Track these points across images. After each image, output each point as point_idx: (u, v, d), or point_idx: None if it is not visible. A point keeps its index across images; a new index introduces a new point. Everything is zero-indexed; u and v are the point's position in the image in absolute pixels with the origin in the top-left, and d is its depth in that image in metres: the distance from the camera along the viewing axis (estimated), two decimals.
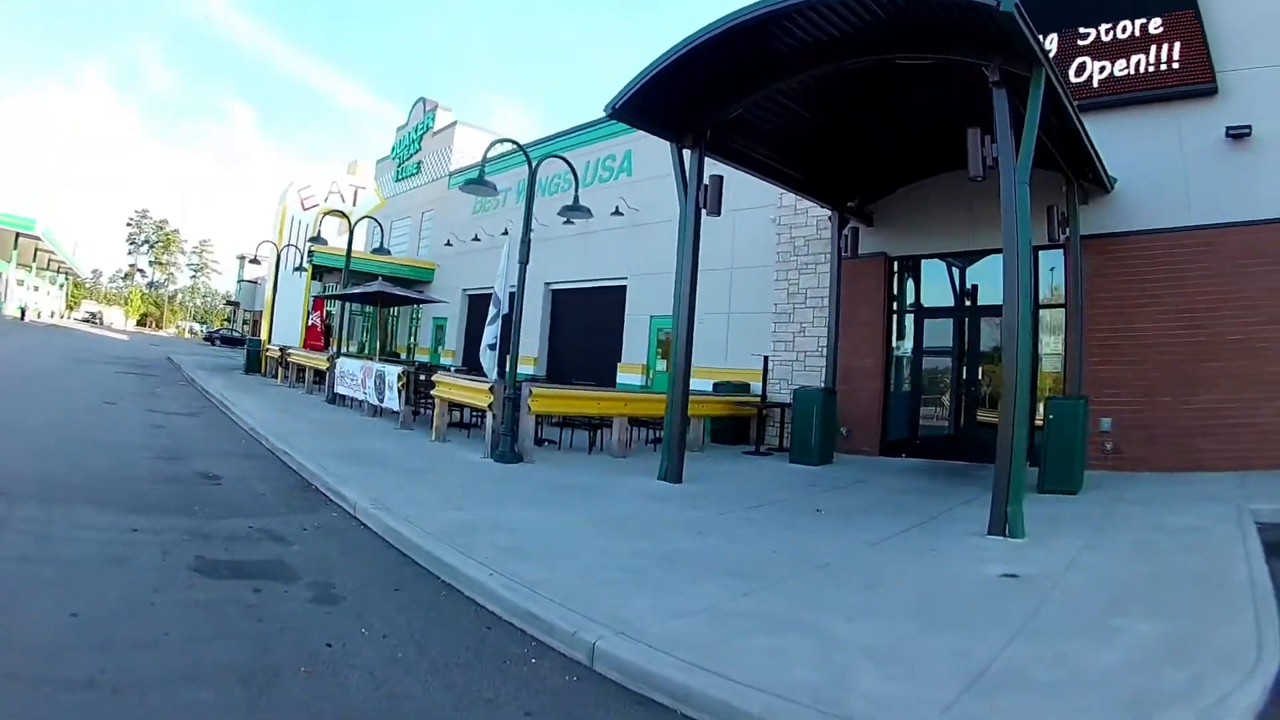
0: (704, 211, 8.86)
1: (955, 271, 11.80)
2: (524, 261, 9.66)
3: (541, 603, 4.13)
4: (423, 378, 12.64)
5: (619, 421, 10.70)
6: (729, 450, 12.22)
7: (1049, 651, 3.70)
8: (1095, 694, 3.27)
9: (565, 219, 11.66)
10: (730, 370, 13.73)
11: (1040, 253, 10.13)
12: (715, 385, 13.71)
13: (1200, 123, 9.60)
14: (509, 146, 11.26)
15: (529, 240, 9.74)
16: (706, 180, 8.89)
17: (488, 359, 10.95)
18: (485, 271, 20.05)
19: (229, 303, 60.61)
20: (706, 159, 9.07)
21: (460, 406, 11.43)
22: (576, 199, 10.55)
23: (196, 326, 76.48)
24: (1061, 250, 9.93)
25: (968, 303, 11.70)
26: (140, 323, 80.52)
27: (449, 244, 24.25)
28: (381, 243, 19.99)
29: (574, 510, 6.81)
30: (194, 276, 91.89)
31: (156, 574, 4.41)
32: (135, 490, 6.46)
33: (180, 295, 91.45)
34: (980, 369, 11.37)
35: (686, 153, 8.88)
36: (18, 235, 37.05)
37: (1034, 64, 6.37)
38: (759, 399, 12.43)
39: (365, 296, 18.41)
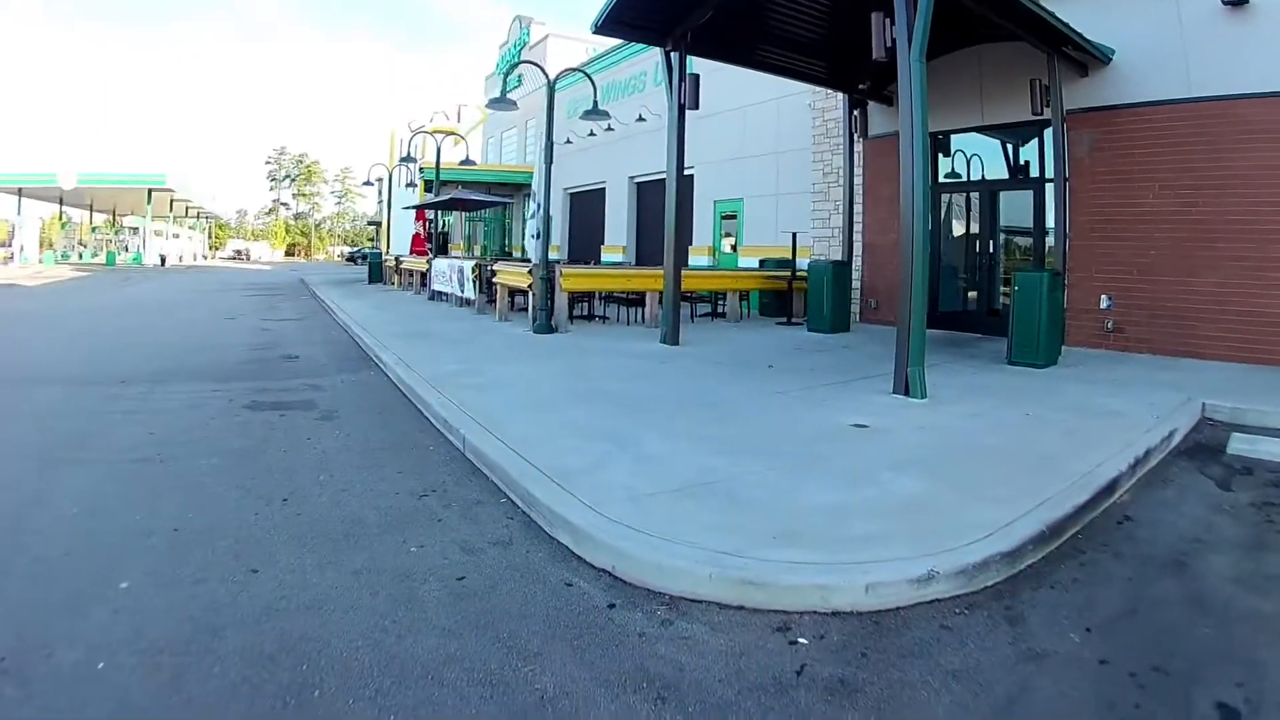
0: (685, 108, 9.63)
1: (972, 146, 11.62)
2: (549, 163, 11.20)
3: (455, 414, 5.43)
4: (491, 269, 13.85)
5: (650, 296, 11.81)
6: (767, 321, 13.10)
7: (786, 481, 4.00)
8: (751, 524, 3.37)
9: (594, 120, 12.94)
10: (778, 248, 14.31)
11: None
12: (761, 262, 14.52)
13: None
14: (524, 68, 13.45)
15: (551, 144, 11.32)
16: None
17: (532, 246, 12.08)
18: (580, 170, 23.86)
19: (370, 223, 63.45)
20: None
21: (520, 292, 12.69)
22: (595, 104, 12.12)
23: (347, 250, 77.85)
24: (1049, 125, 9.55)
25: (985, 177, 11.49)
26: (288, 253, 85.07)
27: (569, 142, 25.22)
28: (468, 155, 23.27)
29: (552, 364, 7.87)
30: (339, 203, 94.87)
31: (217, 411, 6.09)
32: (225, 371, 8.13)
33: (327, 222, 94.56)
34: (992, 244, 11.30)
35: (674, 56, 9.58)
36: (150, 190, 40.63)
37: None
38: (789, 273, 12.99)
39: (441, 204, 20.12)
